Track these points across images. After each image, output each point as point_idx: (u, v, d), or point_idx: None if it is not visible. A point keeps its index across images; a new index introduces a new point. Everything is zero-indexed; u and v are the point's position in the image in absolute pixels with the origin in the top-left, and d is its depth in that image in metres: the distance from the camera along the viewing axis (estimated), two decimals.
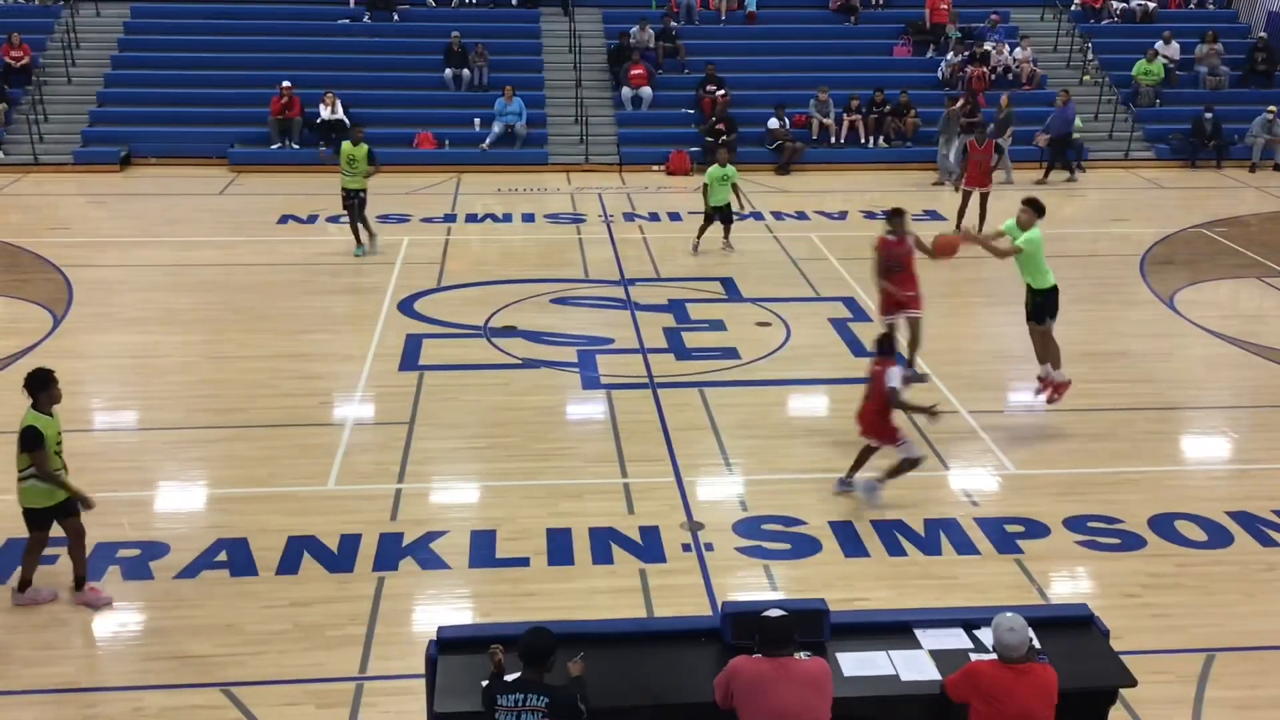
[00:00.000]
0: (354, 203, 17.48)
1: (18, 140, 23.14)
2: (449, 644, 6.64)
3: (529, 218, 20.45)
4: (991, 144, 19.44)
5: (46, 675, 7.97)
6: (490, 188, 22.41)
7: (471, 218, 20.31)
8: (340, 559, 9.43)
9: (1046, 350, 12.00)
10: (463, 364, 13.52)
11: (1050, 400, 12.06)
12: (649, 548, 9.68)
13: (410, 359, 13.63)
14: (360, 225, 17.66)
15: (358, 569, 9.31)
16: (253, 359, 13.58)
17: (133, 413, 12.31)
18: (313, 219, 19.81)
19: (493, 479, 10.91)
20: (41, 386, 8.57)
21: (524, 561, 9.45)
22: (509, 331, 14.51)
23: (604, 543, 9.73)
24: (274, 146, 23.44)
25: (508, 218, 20.42)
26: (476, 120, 24.31)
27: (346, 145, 17.56)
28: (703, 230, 17.98)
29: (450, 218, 20.23)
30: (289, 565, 9.33)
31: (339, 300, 15.80)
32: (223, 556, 9.44)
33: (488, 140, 24.03)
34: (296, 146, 23.41)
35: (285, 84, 23.49)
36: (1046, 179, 23.12)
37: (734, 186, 17.84)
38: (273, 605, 8.80)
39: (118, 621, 8.67)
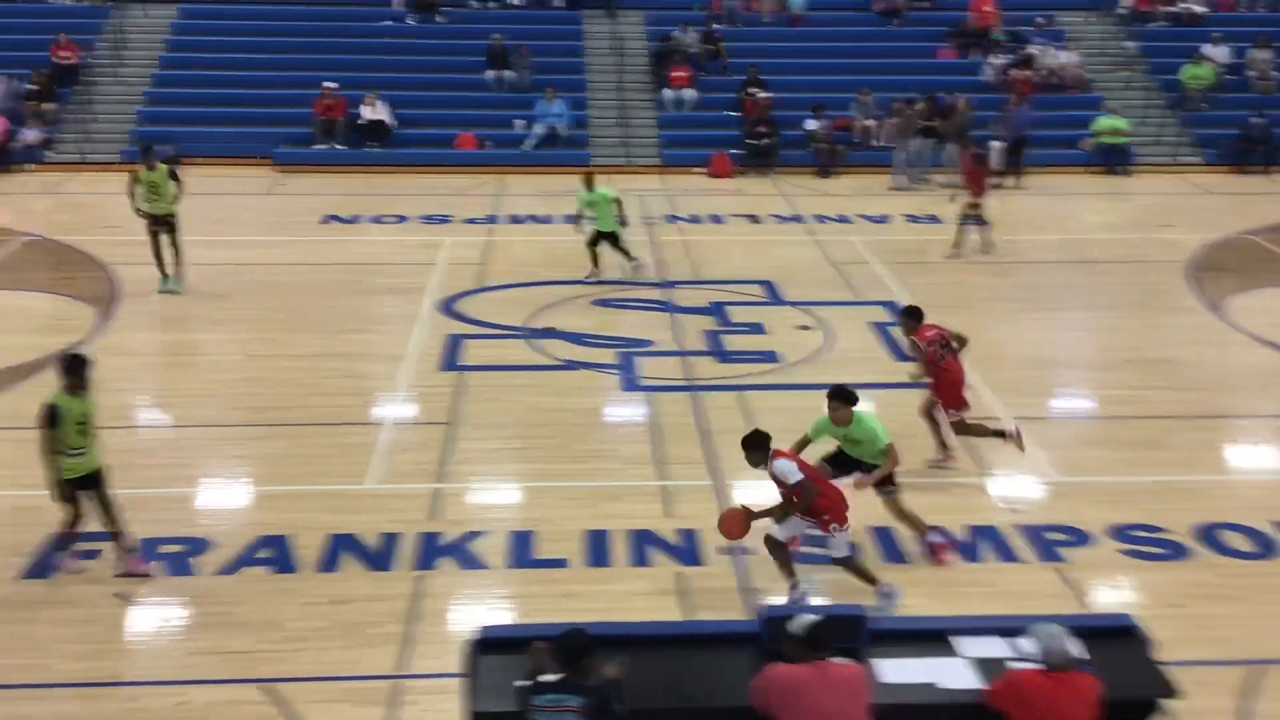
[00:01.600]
0: (160, 229, 15.72)
1: (67, 140, 23.46)
2: (488, 643, 6.66)
3: (571, 219, 20.46)
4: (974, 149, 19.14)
5: (89, 669, 8.06)
6: (531, 189, 22.48)
7: (513, 219, 20.38)
8: (380, 557, 9.48)
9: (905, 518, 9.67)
10: (503, 365, 13.56)
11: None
12: (687, 551, 9.66)
13: (451, 359, 13.69)
14: (171, 252, 15.86)
15: (397, 567, 9.36)
16: (295, 358, 13.68)
17: (176, 410, 12.44)
18: (355, 219, 19.95)
19: (532, 480, 10.94)
20: (70, 371, 8.87)
21: (562, 563, 9.47)
22: (549, 333, 14.54)
23: (642, 545, 9.72)
24: (318, 147, 23.63)
25: (549, 219, 20.47)
26: (518, 121, 24.40)
27: (142, 172, 15.68)
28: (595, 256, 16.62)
29: (492, 219, 20.32)
30: (329, 563, 9.39)
31: (380, 300, 15.90)
32: (264, 553, 9.51)
33: (530, 141, 24.11)
34: (340, 147, 23.59)
35: (328, 85, 23.68)
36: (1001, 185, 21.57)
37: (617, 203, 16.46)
38: (313, 602, 8.86)
39: (160, 616, 8.77)
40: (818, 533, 8.74)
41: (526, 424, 12.02)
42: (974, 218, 17.75)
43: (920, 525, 9.56)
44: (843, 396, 9.28)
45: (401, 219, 20.01)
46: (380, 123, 23.75)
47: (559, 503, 10.43)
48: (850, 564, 8.74)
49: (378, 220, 19.92)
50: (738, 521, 8.68)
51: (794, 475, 8.40)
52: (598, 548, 9.65)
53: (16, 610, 8.70)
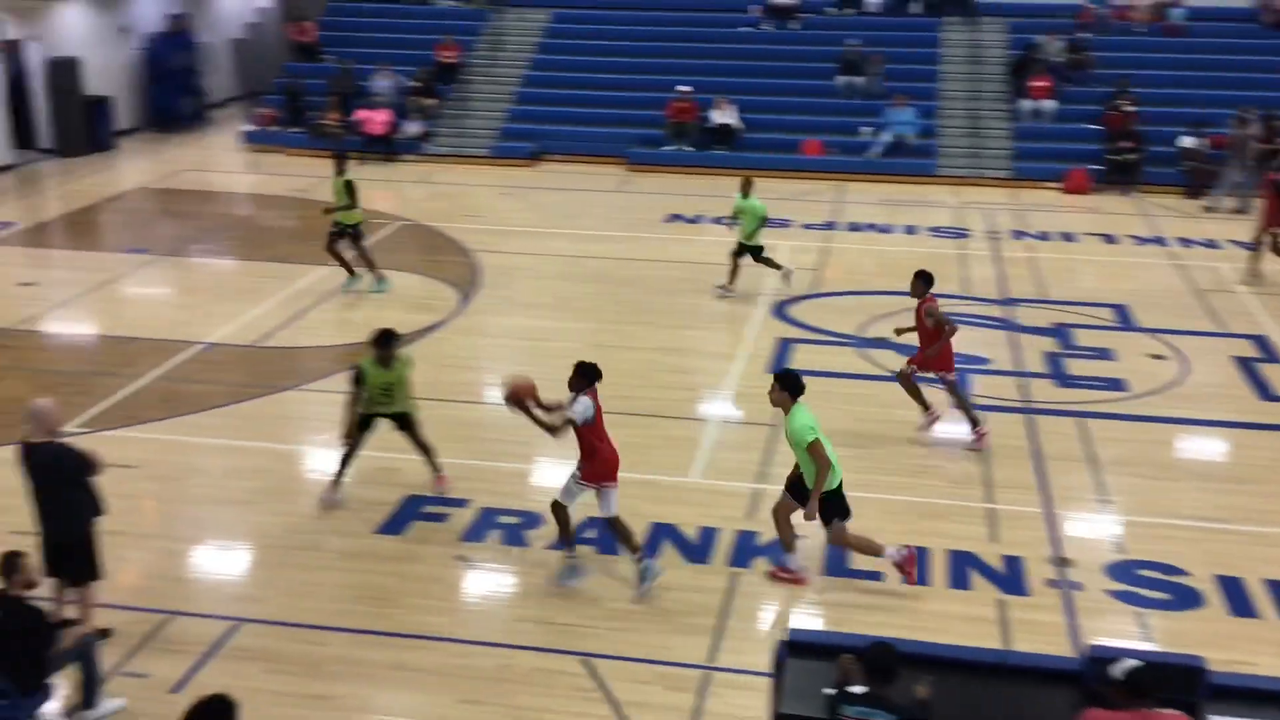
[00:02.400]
0: (340, 236, 15.97)
1: (444, 134, 25.30)
2: (798, 646, 6.68)
3: (911, 229, 20.14)
4: None
5: (426, 623, 8.71)
6: (873, 197, 22.26)
7: (853, 226, 20.25)
8: (698, 549, 9.71)
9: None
10: (831, 371, 13.52)
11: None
12: (1010, 578, 9.32)
13: (780, 362, 13.78)
14: (354, 256, 16.16)
15: (714, 561, 9.55)
16: (632, 350, 14.19)
17: None
18: (697, 219, 20.43)
19: (853, 489, 10.75)
20: (379, 344, 10.15)
21: (877, 575, 9.35)
22: (881, 343, 14.36)
23: (962, 567, 9.46)
24: (668, 148, 24.36)
25: (889, 228, 20.21)
26: (864, 128, 24.21)
27: (334, 178, 16.04)
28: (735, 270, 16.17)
29: (831, 225, 20.28)
30: (649, 549, 9.69)
31: (716, 300, 16.20)
32: (592, 533, 9.93)
33: (877, 149, 23.86)
34: (688, 149, 24.21)
35: (682, 88, 24.36)
36: None
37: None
38: (632, 586, 9.18)
39: (494, 582, 9.35)
40: (590, 488, 8.99)
41: (850, 433, 11.93)
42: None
43: (875, 548, 9.08)
44: (781, 379, 8.90)
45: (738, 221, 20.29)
46: (728, 126, 24.20)
47: (877, 515, 10.29)
48: (617, 524, 9.04)
49: (719, 221, 20.30)
50: (524, 391, 9.07)
51: (580, 415, 8.82)
52: (917, 564, 9.45)
53: (369, 561, 9.51)
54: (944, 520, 10.23)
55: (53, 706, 7.47)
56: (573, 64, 26.76)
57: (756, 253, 16.17)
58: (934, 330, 11.38)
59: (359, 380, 10.23)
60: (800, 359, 13.88)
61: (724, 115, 24.28)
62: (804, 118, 24.79)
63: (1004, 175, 23.47)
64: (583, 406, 8.88)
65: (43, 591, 7.81)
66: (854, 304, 15.93)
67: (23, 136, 24.03)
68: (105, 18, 26.22)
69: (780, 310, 15.63)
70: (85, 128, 24.72)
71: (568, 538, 9.31)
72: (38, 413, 8.05)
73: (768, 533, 9.94)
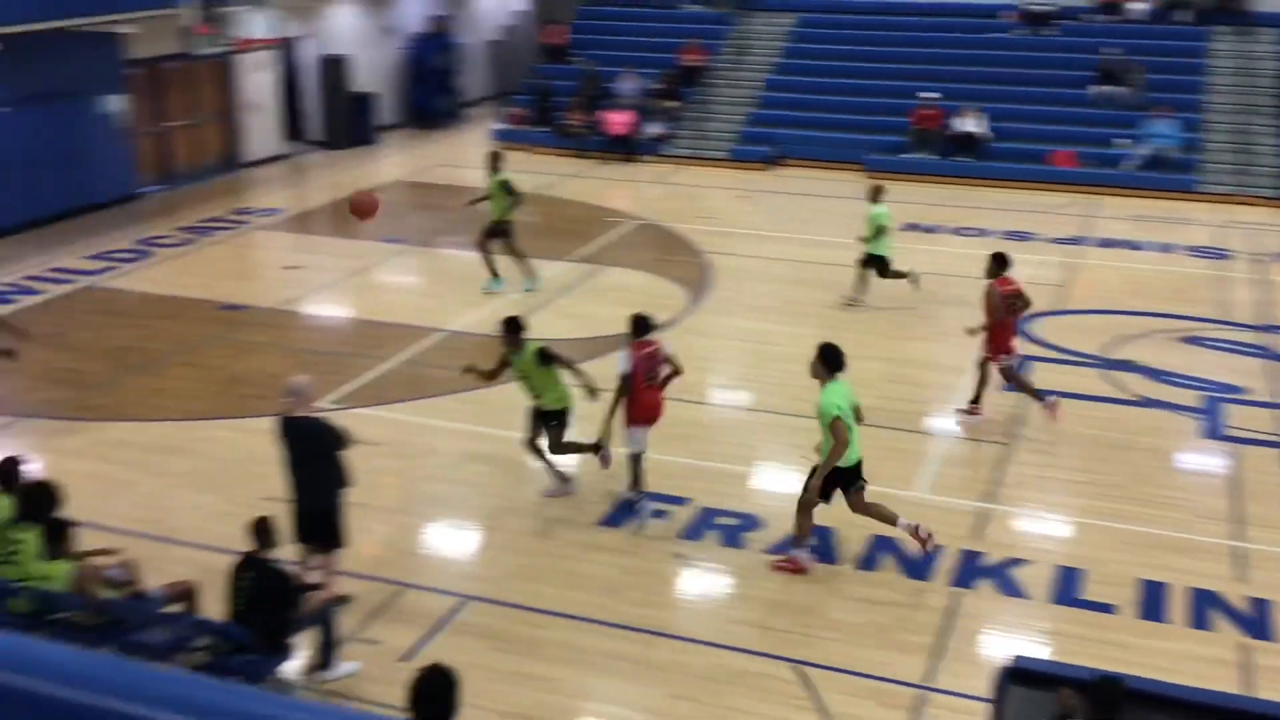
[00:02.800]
0: (492, 234, 16.14)
1: (684, 136, 25.60)
2: (1020, 674, 6.48)
3: (1166, 248, 19.12)
4: None
5: (643, 616, 8.85)
6: (1126, 212, 21.23)
7: (1103, 242, 19.39)
8: (919, 567, 9.51)
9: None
10: (1072, 392, 12.99)
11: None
12: (1258, 622, 8.75)
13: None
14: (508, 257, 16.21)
15: (935, 580, 9.34)
16: (860, 358, 13.92)
17: (745, 393, 13.22)
18: (935, 229, 19.98)
19: (1088, 516, 10.41)
20: (512, 329, 10.24)
21: (1109, 608, 8.95)
22: (1127, 365, 13.70)
23: (1203, 606, 8.95)
24: (909, 155, 23.91)
25: (1141, 245, 19.24)
26: (1119, 140, 23.12)
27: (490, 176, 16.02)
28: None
29: (1078, 240, 19.46)
30: (869, 561, 9.57)
31: (950, 310, 15.78)
32: (809, 541, 9.86)
33: (1132, 162, 22.75)
34: (931, 157, 23.70)
35: (928, 94, 23.86)
36: None
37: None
38: (849, 597, 9.09)
39: (710, 582, 9.42)
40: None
41: (1089, 457, 11.45)
42: None
43: (889, 516, 9.34)
44: (821, 352, 9.33)
45: (982, 232, 19.75)
46: (973, 134, 23.55)
47: (1114, 545, 9.85)
48: (636, 460, 10.16)
49: (958, 232, 19.80)
50: (367, 207, 10.81)
51: (620, 367, 9.90)
52: (1152, 599, 9.01)
53: (592, 552, 9.74)
54: (1185, 555, 9.69)
55: (293, 665, 7.97)
56: (816, 68, 26.60)
57: (882, 265, 15.74)
58: (989, 311, 11.81)
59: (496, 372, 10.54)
60: (1039, 378, 13.38)
61: (970, 123, 23.64)
62: (1055, 127, 23.87)
63: (1272, 195, 21.98)
64: (622, 359, 10.01)
65: (288, 556, 8.35)
66: (1100, 323, 15.25)
67: (294, 129, 25.68)
68: (373, 18, 27.72)
69: (1019, 326, 15.08)
70: (351, 122, 26.21)
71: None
72: (298, 388, 8.61)
73: (994, 554, 9.66)
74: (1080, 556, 9.68)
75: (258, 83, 23.92)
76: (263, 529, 7.66)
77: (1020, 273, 17.15)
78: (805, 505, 9.33)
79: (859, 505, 9.39)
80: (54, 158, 19.26)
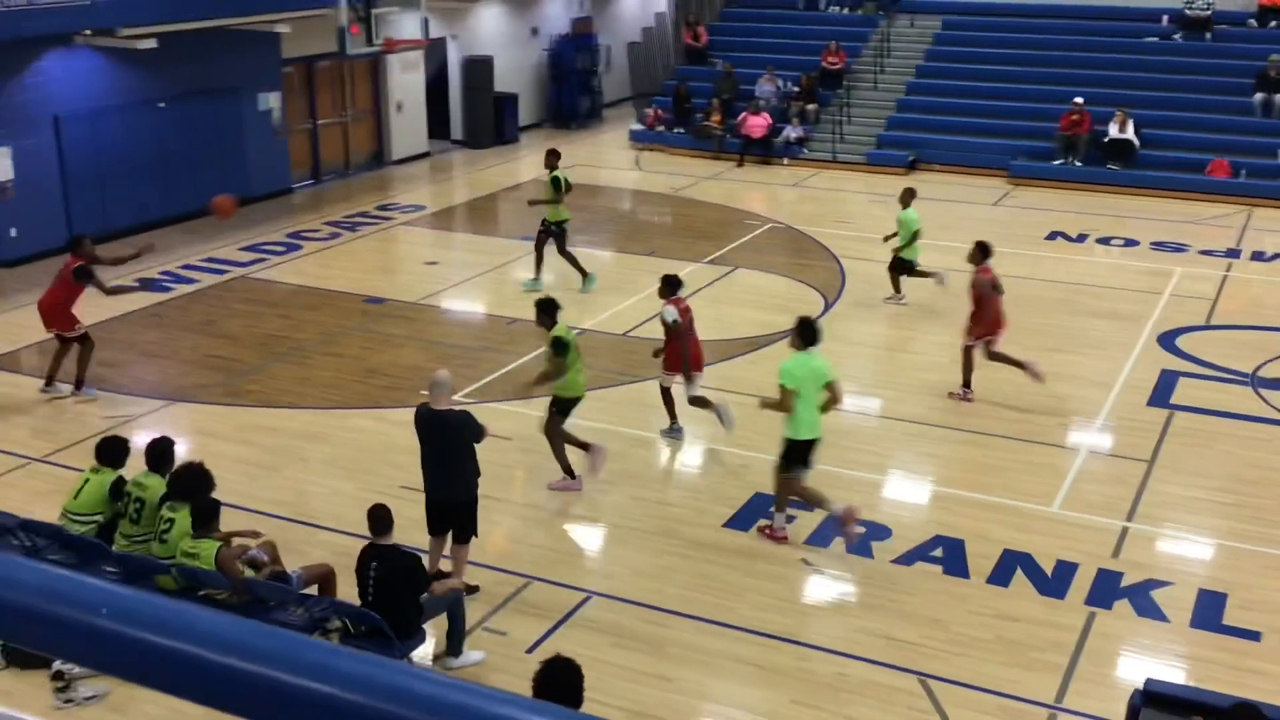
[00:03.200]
0: (544, 232, 16.23)
1: (822, 139, 25.39)
2: (1154, 698, 6.29)
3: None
4: None
5: (766, 620, 8.82)
6: None
7: (1258, 255, 18.61)
8: (1053, 583, 9.28)
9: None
10: (1220, 410, 12.52)
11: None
12: None
13: (1161, 395, 12.92)
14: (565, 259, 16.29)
15: (1069, 598, 9.10)
16: (998, 369, 13.70)
17: (879, 400, 13.06)
18: (1082, 238, 19.44)
19: (1233, 539, 10.02)
20: (546, 310, 10.53)
21: (1254, 635, 8.60)
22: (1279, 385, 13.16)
23: None
24: (1056, 162, 23.29)
25: None
26: None
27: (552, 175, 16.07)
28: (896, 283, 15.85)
29: (1233, 253, 18.72)
30: (1000, 576, 9.37)
31: (1095, 324, 15.38)
32: (938, 552, 9.72)
33: None
34: (1079, 164, 23.06)
35: (1078, 100, 23.21)
36: None
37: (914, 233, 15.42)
38: (978, 612, 8.91)
39: (836, 589, 9.34)
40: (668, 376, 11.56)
41: (1237, 479, 11.02)
42: None
43: (820, 500, 9.75)
44: (798, 324, 9.89)
45: (1131, 243, 19.15)
46: (1126, 142, 22.82)
47: (1261, 570, 9.46)
48: (698, 400, 11.59)
49: (1105, 241, 19.24)
50: (227, 206, 12.96)
51: (669, 318, 11.36)
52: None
53: (716, 554, 9.75)
54: None
55: (423, 650, 8.17)
56: (960, 71, 26.11)
57: (910, 268, 15.62)
58: (975, 297, 12.65)
59: (562, 349, 10.43)
60: (1185, 394, 12.95)
61: (1123, 130, 22.91)
62: (1211, 136, 22.98)
63: None
64: (668, 311, 11.34)
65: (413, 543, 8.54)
66: (1253, 339, 14.66)
67: (437, 127, 26.26)
68: (517, 20, 28.17)
69: (1168, 340, 14.61)
70: (493, 122, 26.69)
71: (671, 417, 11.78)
72: (439, 382, 8.82)
73: (1132, 574, 9.38)
74: (1224, 581, 9.33)
75: (405, 82, 24.54)
76: (378, 516, 7.86)
77: (1171, 285, 16.68)
78: (779, 479, 9.91)
79: (793, 485, 9.87)
80: (212, 152, 20.07)
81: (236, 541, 8.45)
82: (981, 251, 12.92)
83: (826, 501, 9.76)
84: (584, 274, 16.37)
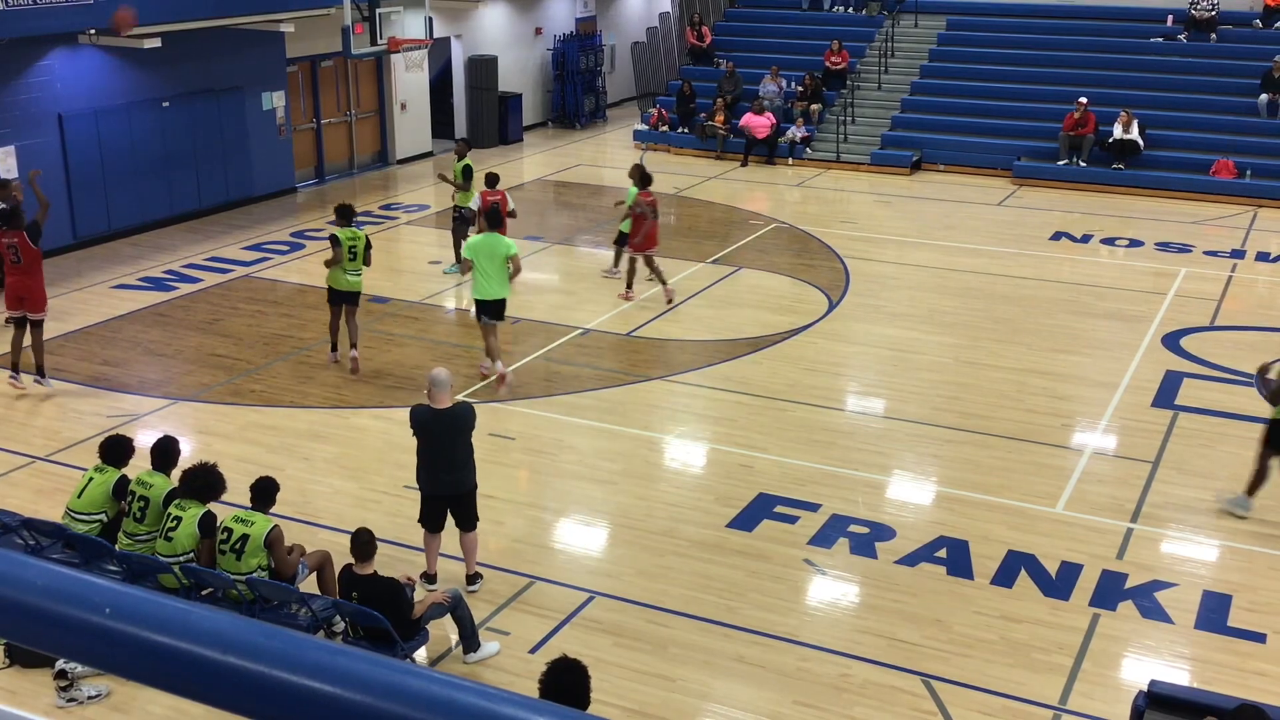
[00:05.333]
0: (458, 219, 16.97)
1: (825, 139, 25.38)
2: (1159, 699, 6.28)
3: None
4: None
5: (769, 621, 8.81)
6: None
7: (1262, 256, 18.59)
8: (1057, 584, 9.26)
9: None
10: (1225, 411, 12.50)
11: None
12: None
13: (1166, 396, 12.90)
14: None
15: (1074, 599, 9.08)
16: (1002, 369, 13.71)
17: (883, 401, 13.04)
18: (1086, 239, 19.42)
19: (1239, 540, 10.01)
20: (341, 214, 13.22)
21: (1259, 637, 8.58)
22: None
23: None
24: (1060, 163, 23.27)
25: None
26: None
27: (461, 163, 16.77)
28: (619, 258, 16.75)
29: (1238, 254, 18.70)
30: (1004, 577, 9.36)
31: (1100, 324, 15.36)
32: (942, 553, 9.71)
33: None
34: (1084, 164, 23.03)
35: (1081, 100, 23.19)
36: None
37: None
38: (983, 613, 8.90)
39: (839, 590, 9.33)
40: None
41: (1242, 480, 10.95)
42: None
43: (494, 353, 12.76)
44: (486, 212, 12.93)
45: (1135, 243, 19.13)
46: (1130, 142, 22.79)
47: (1267, 572, 9.44)
48: (633, 264, 15.61)
49: (1109, 242, 19.23)
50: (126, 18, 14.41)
51: (633, 201, 15.28)
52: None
53: (719, 554, 9.74)
54: None
55: (421, 653, 8.17)
56: (964, 71, 26.09)
57: None
58: (637, 217, 15.43)
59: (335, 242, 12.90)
60: (1190, 395, 12.93)
61: (1127, 131, 22.88)
62: (1216, 136, 22.95)
63: None
64: (631, 196, 15.15)
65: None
66: (1258, 340, 14.63)
67: (441, 127, 26.26)
68: (521, 20, 28.17)
69: (1171, 340, 14.60)
70: (497, 122, 26.70)
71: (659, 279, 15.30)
72: (439, 381, 8.83)
73: (1136, 575, 9.37)
74: (1229, 583, 9.31)
75: (409, 82, 24.54)
76: (361, 541, 7.83)
77: (1175, 285, 16.66)
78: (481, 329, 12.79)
79: (485, 334, 12.80)
80: (216, 151, 20.08)
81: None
82: (642, 178, 15.55)
83: (495, 354, 12.73)
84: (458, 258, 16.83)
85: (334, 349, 13.57)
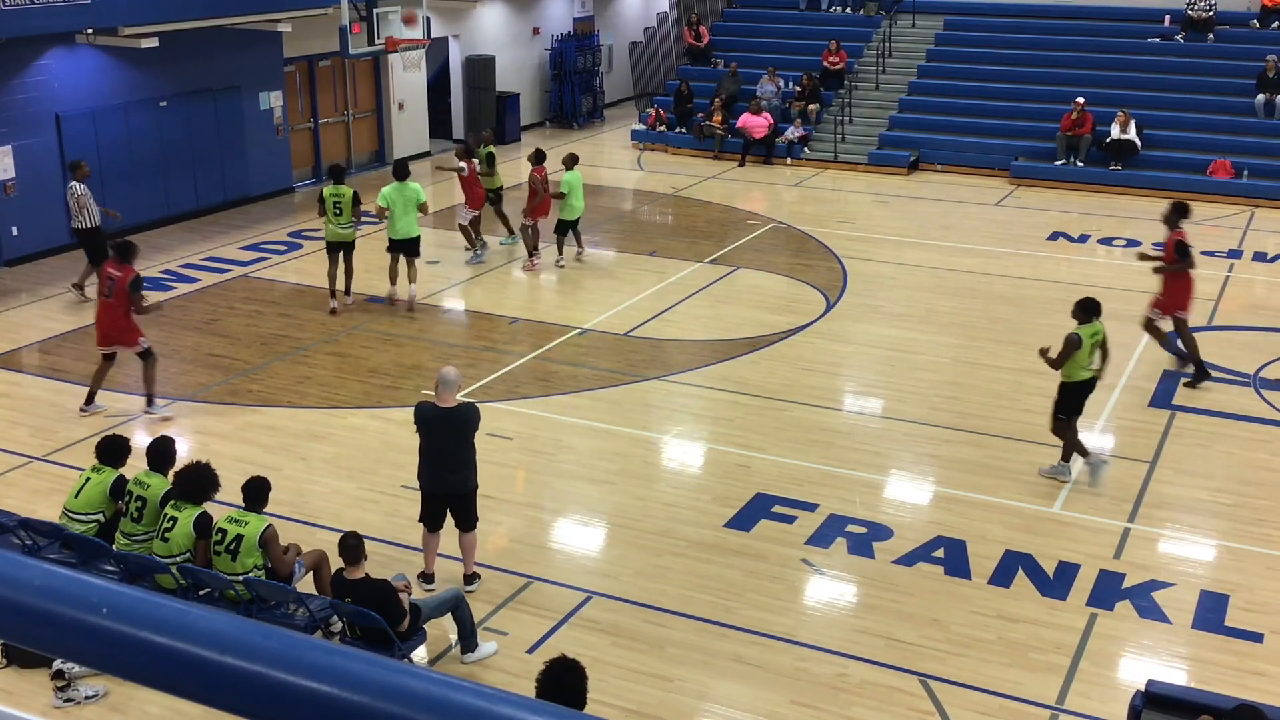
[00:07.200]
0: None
1: (823, 139, 25.39)
2: (1156, 699, 6.28)
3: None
4: None
5: (767, 620, 8.82)
6: None
7: (1259, 256, 18.60)
8: (1054, 584, 9.27)
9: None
10: (1221, 411, 12.52)
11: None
12: None
13: (1163, 396, 12.92)
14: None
15: (1071, 599, 9.09)
16: (1000, 369, 13.72)
17: (880, 401, 13.05)
18: (1083, 239, 19.44)
19: (1235, 540, 10.02)
20: (331, 172, 15.28)
21: (1257, 637, 8.59)
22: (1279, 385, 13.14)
23: None
24: (1058, 163, 23.29)
25: None
26: None
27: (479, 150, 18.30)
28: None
29: (1235, 253, 18.72)
30: (1002, 577, 9.37)
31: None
32: (939, 553, 9.72)
33: None
34: (1081, 164, 23.05)
35: (1079, 100, 23.21)
36: None
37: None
38: (980, 613, 8.91)
39: (836, 590, 9.34)
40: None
41: (1238, 479, 11.01)
42: None
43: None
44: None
45: (1133, 243, 19.10)
46: (1128, 142, 22.81)
47: (1264, 571, 9.45)
48: (528, 232, 17.36)
49: (1107, 242, 19.24)
50: None
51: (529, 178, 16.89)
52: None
53: (717, 554, 9.74)
54: None
55: (420, 653, 8.17)
56: (961, 71, 26.11)
57: None
58: (531, 190, 16.86)
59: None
60: (1187, 394, 12.94)
61: (1124, 130, 22.90)
62: (1213, 136, 22.98)
63: None
64: (530, 175, 16.80)
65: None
66: (1255, 340, 14.65)
67: (438, 127, 26.25)
68: (519, 20, 28.17)
69: (1170, 341, 14.58)
70: (494, 121, 26.67)
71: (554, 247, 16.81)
72: (448, 380, 8.83)
73: (1134, 575, 9.38)
74: (1226, 583, 9.32)
75: (407, 81, 24.53)
76: (349, 546, 7.82)
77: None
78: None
79: (391, 268, 15.36)
80: (213, 151, 20.07)
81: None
82: (538, 156, 17.23)
83: (414, 279, 15.18)
84: (510, 232, 18.58)
85: (332, 295, 15.32)
